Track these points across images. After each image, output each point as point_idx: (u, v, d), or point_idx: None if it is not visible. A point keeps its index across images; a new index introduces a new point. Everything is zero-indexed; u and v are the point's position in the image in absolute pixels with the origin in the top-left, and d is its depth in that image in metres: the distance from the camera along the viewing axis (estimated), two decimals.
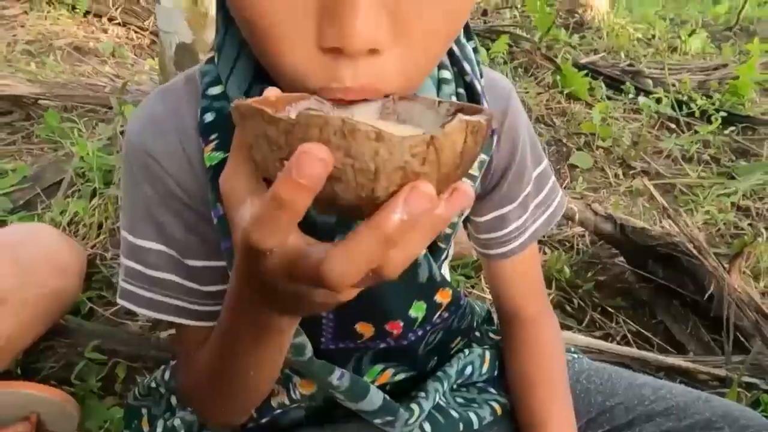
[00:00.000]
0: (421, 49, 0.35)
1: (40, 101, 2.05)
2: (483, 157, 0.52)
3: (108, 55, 2.82)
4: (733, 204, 1.90)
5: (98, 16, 3.18)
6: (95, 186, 1.38)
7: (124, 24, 3.17)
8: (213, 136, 0.45)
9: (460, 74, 0.51)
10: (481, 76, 0.52)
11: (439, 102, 0.33)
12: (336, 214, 0.40)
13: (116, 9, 3.13)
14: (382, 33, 0.31)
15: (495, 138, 0.53)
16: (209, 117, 0.45)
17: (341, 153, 0.23)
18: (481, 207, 0.60)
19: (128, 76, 2.53)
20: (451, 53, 0.50)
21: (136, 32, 3.15)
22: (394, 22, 0.32)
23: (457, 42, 0.51)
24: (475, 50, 0.53)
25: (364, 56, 0.32)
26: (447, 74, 0.49)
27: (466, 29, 0.53)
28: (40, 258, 0.86)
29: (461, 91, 0.50)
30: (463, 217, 0.60)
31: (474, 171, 0.52)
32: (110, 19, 3.16)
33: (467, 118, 0.26)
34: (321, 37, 0.32)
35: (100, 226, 1.34)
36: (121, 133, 1.51)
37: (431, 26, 0.34)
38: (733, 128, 2.49)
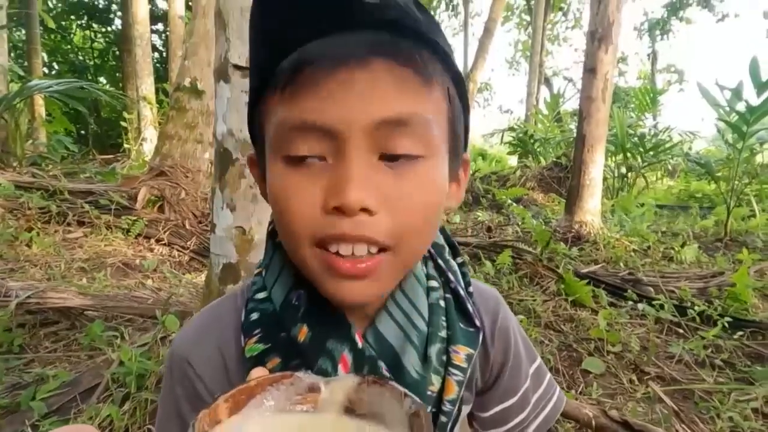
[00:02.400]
0: (403, 215, 0.46)
1: (86, 312, 2.27)
2: (469, 351, 0.58)
3: (151, 270, 3.15)
4: (754, 410, 1.86)
5: (147, 237, 3.64)
6: (129, 390, 1.47)
7: (168, 244, 3.60)
8: (256, 331, 0.53)
9: (446, 283, 0.62)
10: (469, 285, 0.63)
11: (405, 395, 0.36)
12: None
13: (165, 232, 3.60)
14: (371, 199, 0.43)
15: (480, 333, 0.60)
16: (254, 316, 0.54)
17: None
18: (484, 402, 0.66)
19: (167, 288, 2.79)
20: (438, 267, 0.61)
21: (178, 251, 3.56)
22: (381, 197, 0.44)
23: (443, 258, 0.62)
24: (462, 264, 0.65)
25: (359, 215, 0.43)
26: (434, 283, 0.59)
27: (454, 249, 0.64)
28: None
29: (448, 296, 0.60)
30: (464, 414, 0.65)
31: (462, 363, 0.57)
32: (157, 240, 3.61)
33: None
34: (326, 203, 0.44)
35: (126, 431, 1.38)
36: (161, 339, 1.65)
37: (408, 204, 0.47)
38: (741, 333, 2.55)
